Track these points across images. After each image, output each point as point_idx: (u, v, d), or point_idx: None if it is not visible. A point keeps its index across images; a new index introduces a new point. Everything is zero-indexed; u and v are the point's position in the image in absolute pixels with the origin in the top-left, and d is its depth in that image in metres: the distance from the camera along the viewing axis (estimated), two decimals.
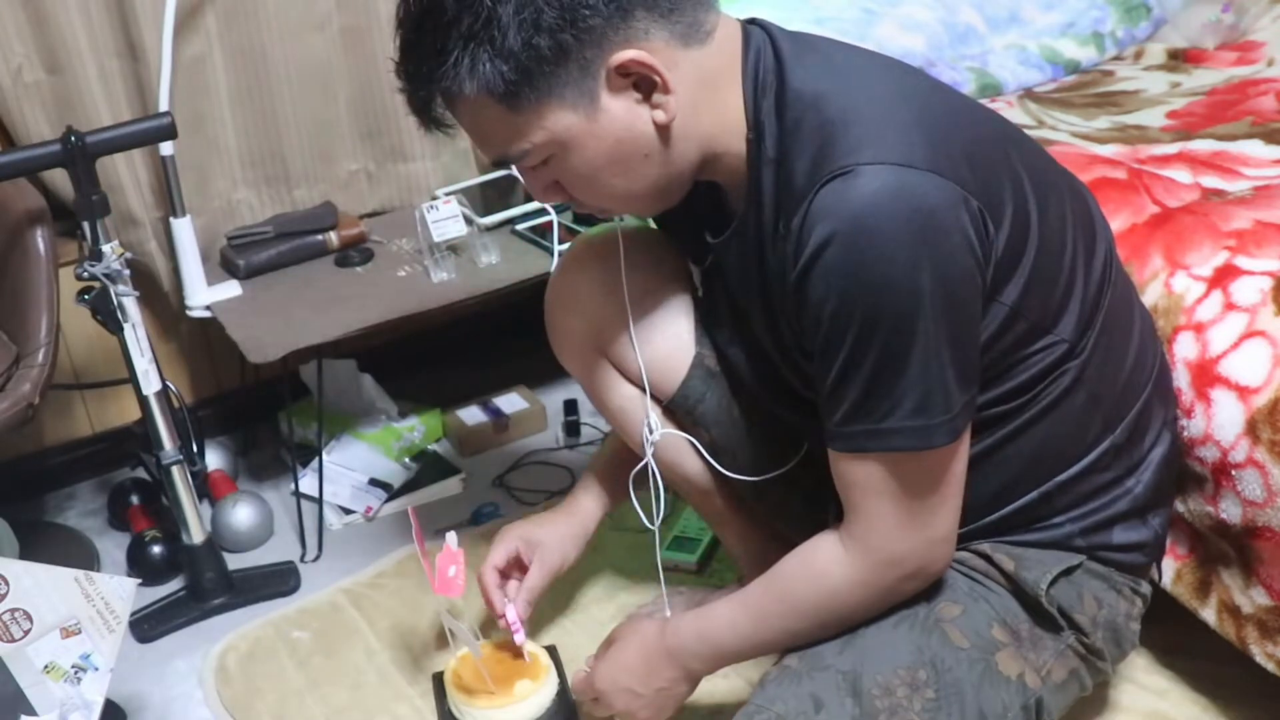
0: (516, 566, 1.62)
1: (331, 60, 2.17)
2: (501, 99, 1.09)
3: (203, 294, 2.02)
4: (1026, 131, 1.86)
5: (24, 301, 1.76)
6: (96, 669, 1.39)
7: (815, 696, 1.21)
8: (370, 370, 2.30)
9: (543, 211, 2.13)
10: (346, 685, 1.70)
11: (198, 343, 2.25)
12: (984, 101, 2.08)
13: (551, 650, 1.64)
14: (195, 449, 1.94)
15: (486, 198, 2.23)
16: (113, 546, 2.08)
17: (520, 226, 2.14)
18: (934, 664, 1.22)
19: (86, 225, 1.65)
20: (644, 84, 1.11)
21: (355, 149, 2.24)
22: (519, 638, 1.57)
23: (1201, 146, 1.76)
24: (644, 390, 1.45)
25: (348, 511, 2.08)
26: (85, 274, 1.66)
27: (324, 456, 2.09)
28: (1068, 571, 1.28)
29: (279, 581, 1.93)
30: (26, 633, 1.37)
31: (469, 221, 2.08)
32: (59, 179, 1.84)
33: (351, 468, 2.12)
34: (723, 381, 1.44)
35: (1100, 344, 1.23)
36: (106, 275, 1.66)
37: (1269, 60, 2.16)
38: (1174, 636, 1.54)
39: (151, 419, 1.78)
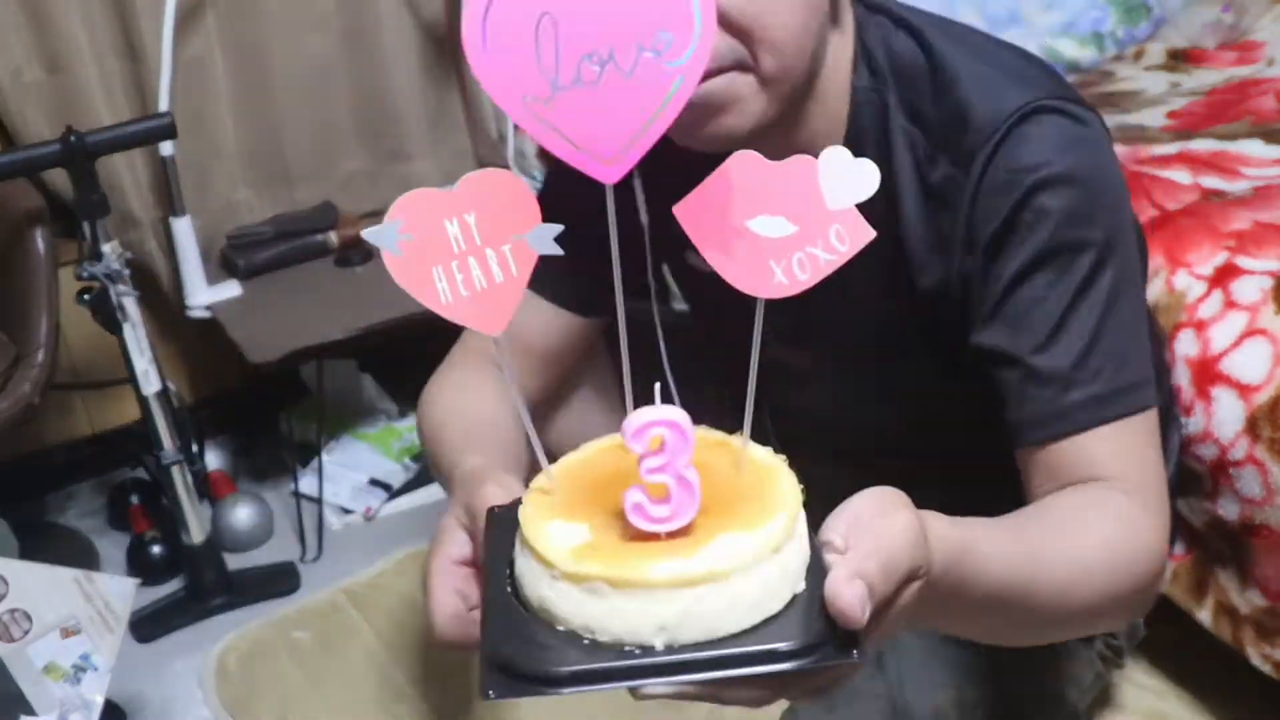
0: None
1: (331, 60, 2.17)
2: None
3: (203, 294, 2.02)
4: None
5: (24, 301, 1.76)
6: (96, 669, 1.39)
7: None
8: (370, 370, 2.30)
9: None
10: (346, 685, 1.70)
11: (198, 343, 2.25)
12: None
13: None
14: (195, 449, 1.94)
15: None
16: (113, 546, 2.08)
17: None
18: (981, 682, 1.16)
19: (86, 225, 1.65)
20: None
21: (355, 149, 2.24)
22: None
23: (1201, 146, 1.76)
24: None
25: (348, 511, 2.08)
26: (85, 274, 1.66)
27: (324, 456, 2.09)
28: None
29: (279, 581, 1.93)
30: (26, 633, 1.37)
31: None
32: (59, 179, 1.84)
33: (351, 468, 2.12)
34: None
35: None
36: (106, 275, 1.66)
37: (1269, 60, 2.16)
38: (1173, 636, 1.54)
39: (151, 419, 1.78)
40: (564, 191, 1.11)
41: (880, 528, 0.64)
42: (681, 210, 0.63)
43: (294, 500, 2.08)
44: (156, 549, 1.97)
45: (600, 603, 0.57)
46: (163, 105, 1.94)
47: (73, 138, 1.62)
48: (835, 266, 0.63)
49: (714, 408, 0.93)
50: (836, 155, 0.64)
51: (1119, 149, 1.77)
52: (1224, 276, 1.40)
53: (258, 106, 2.12)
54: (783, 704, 1.28)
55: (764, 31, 0.96)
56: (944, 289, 1.05)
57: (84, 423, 2.22)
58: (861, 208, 0.71)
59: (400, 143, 2.25)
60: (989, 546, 0.80)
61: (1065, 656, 1.25)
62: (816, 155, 0.92)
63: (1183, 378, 1.37)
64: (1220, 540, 1.37)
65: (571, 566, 0.58)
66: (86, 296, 1.68)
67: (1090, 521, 0.92)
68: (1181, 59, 2.26)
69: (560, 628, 0.59)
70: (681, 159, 0.94)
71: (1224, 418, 1.32)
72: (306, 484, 2.08)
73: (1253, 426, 1.29)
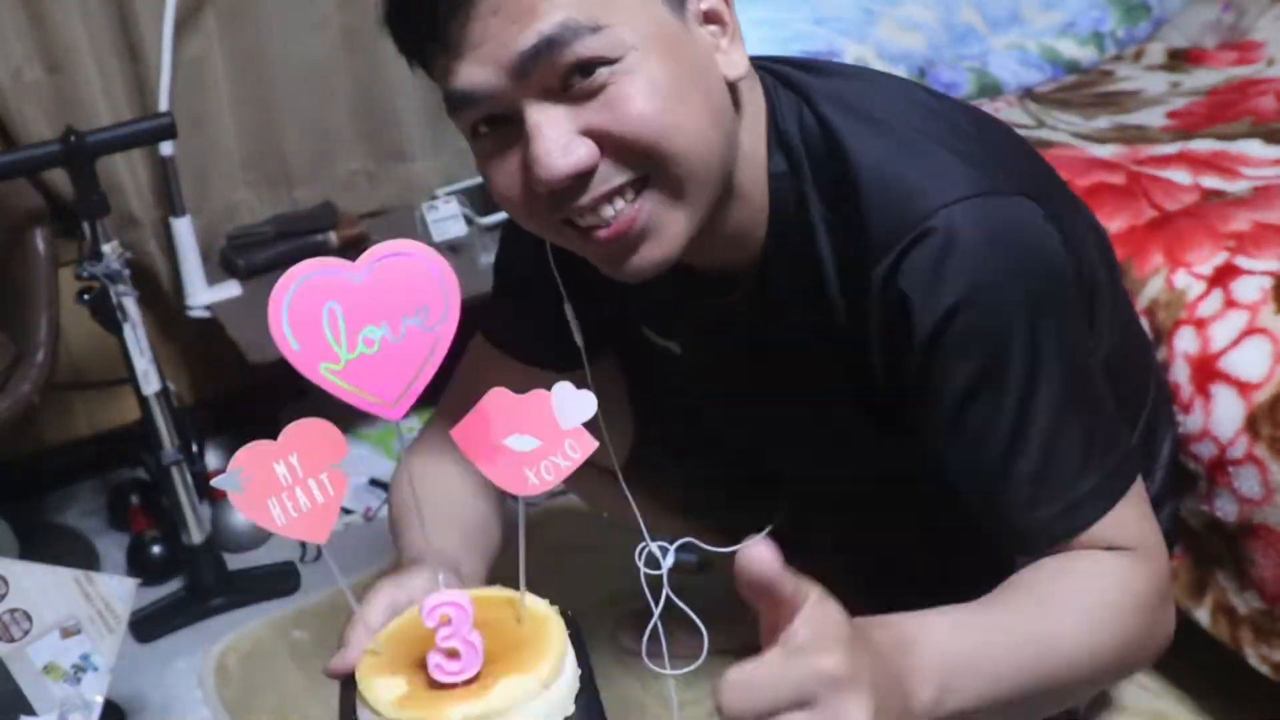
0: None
1: (331, 60, 2.17)
2: None
3: (203, 294, 2.02)
4: (1026, 132, 1.86)
5: (24, 301, 1.76)
6: (96, 669, 1.39)
7: None
8: None
9: None
10: None
11: (198, 343, 2.25)
12: (983, 102, 2.09)
13: (567, 617, 0.90)
14: (195, 449, 1.94)
15: (486, 197, 2.23)
16: (113, 546, 2.08)
17: None
18: None
19: (86, 225, 1.65)
20: (713, 18, 0.95)
21: (355, 149, 2.24)
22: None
23: (1201, 146, 1.76)
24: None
25: (348, 511, 2.08)
26: (85, 274, 1.66)
27: None
28: None
29: (279, 581, 1.93)
30: (26, 633, 1.37)
31: (469, 221, 2.08)
32: (59, 179, 1.84)
33: (351, 468, 2.13)
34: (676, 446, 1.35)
35: (1118, 341, 1.19)
36: (106, 275, 1.66)
37: (1269, 60, 2.16)
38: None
39: (151, 419, 1.78)
40: (513, 256, 1.19)
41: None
42: (457, 433, 0.81)
43: None
44: (156, 549, 1.97)
45: None
46: (163, 105, 1.94)
47: (73, 138, 1.62)
48: (574, 469, 0.80)
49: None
50: (563, 389, 0.81)
51: (1119, 149, 1.77)
52: (1223, 276, 1.40)
53: (258, 106, 2.13)
54: None
55: (668, 145, 0.90)
56: (885, 374, 1.02)
57: (84, 423, 2.22)
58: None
59: (400, 143, 2.25)
60: (986, 650, 0.86)
61: None
62: (744, 249, 1.02)
63: (1182, 375, 1.37)
64: (1218, 540, 1.37)
65: (394, 713, 0.77)
66: (86, 296, 1.68)
67: (1086, 593, 0.94)
68: (1181, 59, 2.26)
69: None
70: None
71: (1223, 416, 1.32)
72: None
73: (1252, 424, 1.29)
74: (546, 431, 0.82)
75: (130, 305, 1.70)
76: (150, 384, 1.75)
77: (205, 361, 2.28)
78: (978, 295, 0.92)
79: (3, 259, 1.79)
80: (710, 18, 0.94)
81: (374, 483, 2.12)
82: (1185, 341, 1.38)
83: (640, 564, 1.20)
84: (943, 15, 2.22)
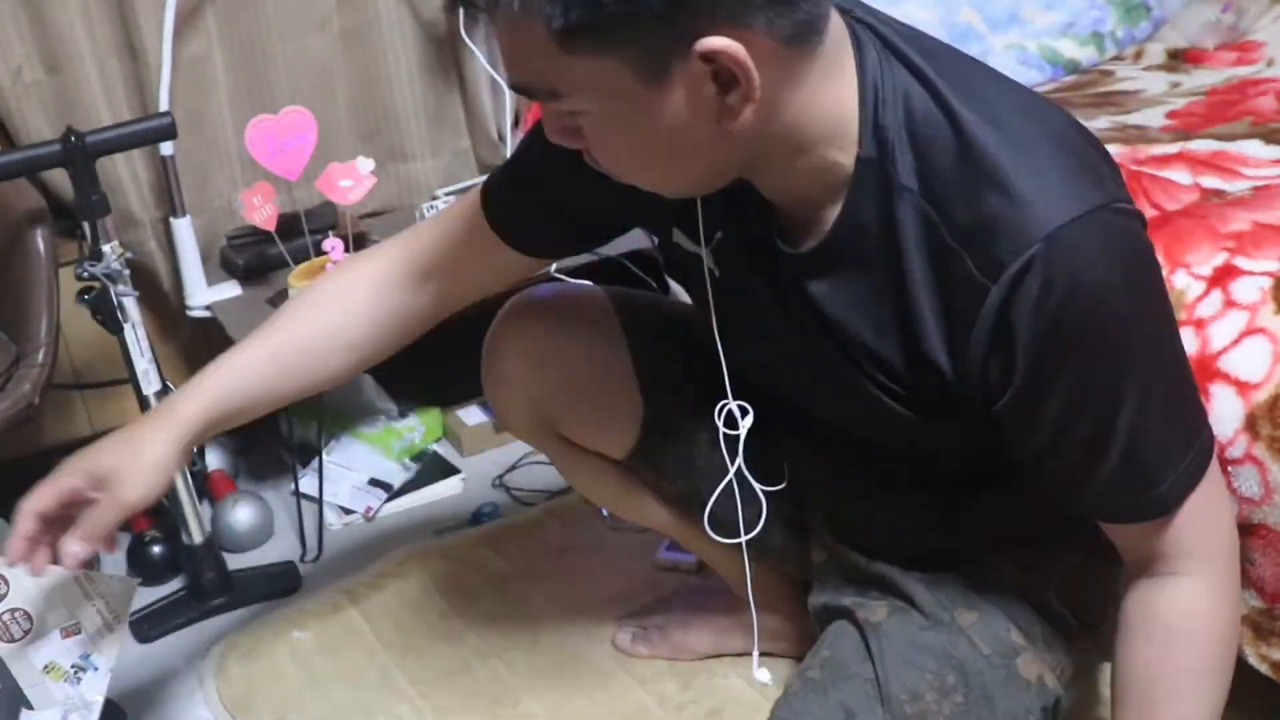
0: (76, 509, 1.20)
1: (331, 60, 2.17)
2: (555, 35, 0.87)
3: (203, 294, 2.02)
4: None
5: (24, 301, 1.76)
6: (96, 669, 1.39)
7: (845, 706, 1.19)
8: (370, 370, 2.30)
9: None
10: (346, 685, 1.70)
11: (198, 343, 2.25)
12: None
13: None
14: (195, 449, 1.94)
15: None
16: None
17: None
18: (961, 668, 1.20)
19: (86, 225, 1.65)
20: (724, 79, 0.91)
21: (355, 149, 2.24)
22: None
23: (1201, 146, 1.76)
24: (601, 455, 1.44)
25: (348, 511, 2.08)
26: (85, 274, 1.66)
27: (324, 456, 2.09)
28: (1073, 569, 1.28)
29: (279, 581, 1.93)
30: (26, 633, 1.37)
31: None
32: (59, 179, 1.84)
33: (351, 468, 2.12)
34: (686, 428, 1.36)
35: None
36: (106, 275, 1.66)
37: (1269, 60, 2.16)
38: None
39: None
40: (538, 150, 1.18)
41: None
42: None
43: (294, 500, 2.08)
44: (156, 549, 1.96)
45: None
46: (163, 105, 1.94)
47: (73, 138, 1.62)
48: None
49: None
50: None
51: (1118, 149, 1.77)
52: (1223, 277, 1.40)
53: (258, 107, 2.12)
54: (753, 680, 1.43)
55: (614, 171, 1.02)
56: (956, 368, 1.03)
57: (84, 423, 2.22)
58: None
59: (400, 143, 2.26)
60: None
61: (1044, 646, 1.26)
62: (812, 219, 1.07)
63: None
64: None
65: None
66: (86, 296, 1.68)
67: (1179, 646, 1.09)
68: (1181, 59, 2.26)
69: None
70: None
71: (1222, 415, 1.31)
72: (306, 484, 2.08)
73: (1252, 424, 1.29)
74: None
75: (130, 305, 1.70)
76: (150, 384, 1.75)
77: (205, 362, 2.26)
78: (1111, 294, 0.96)
79: (3, 259, 1.79)
80: (716, 77, 0.91)
81: (374, 482, 2.12)
82: (1185, 342, 1.37)
83: (720, 423, 1.23)
84: (943, 15, 2.22)
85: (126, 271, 1.68)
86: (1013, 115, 0.99)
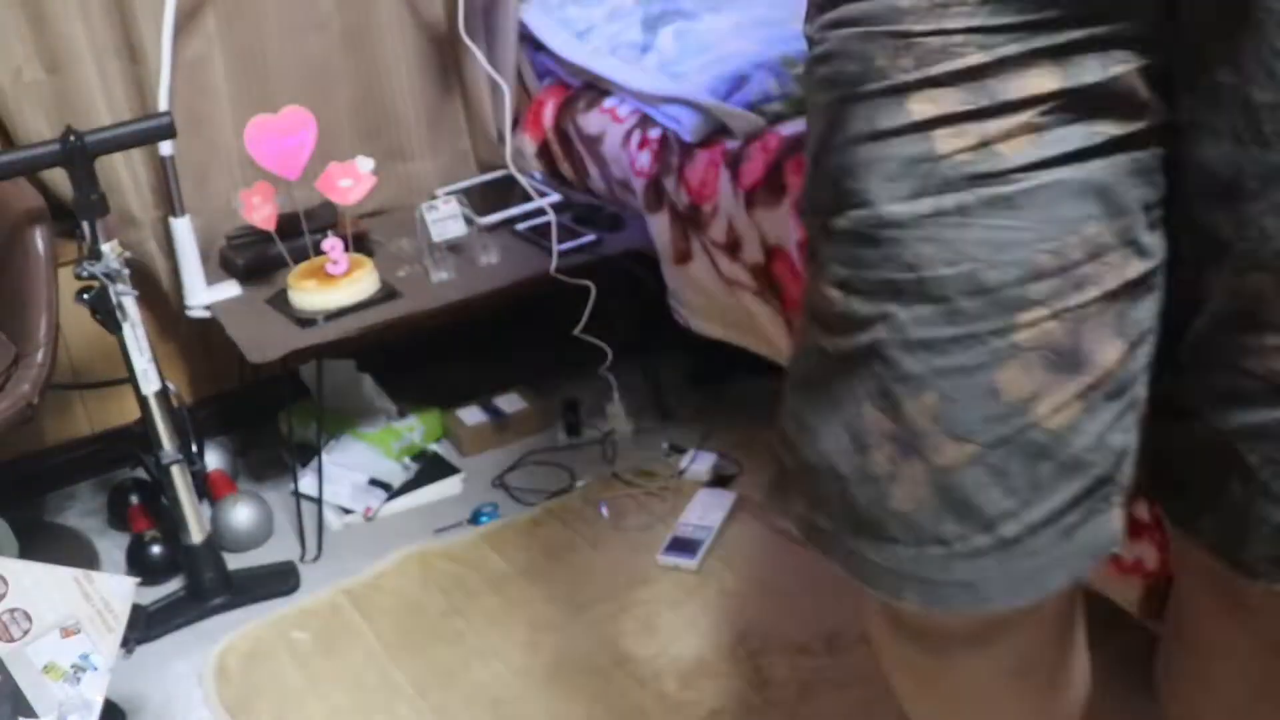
0: None
1: (331, 60, 2.17)
2: None
3: (202, 294, 2.02)
4: None
5: (23, 301, 1.76)
6: (96, 669, 1.39)
7: None
8: (370, 370, 2.30)
9: (542, 211, 2.13)
10: (346, 685, 1.70)
11: (197, 343, 2.25)
12: None
13: None
14: (195, 449, 1.94)
15: (486, 197, 2.23)
16: (113, 546, 2.08)
17: (520, 227, 2.14)
18: None
19: (86, 225, 1.65)
20: None
21: (355, 149, 2.24)
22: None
23: None
24: None
25: (348, 511, 2.08)
26: (85, 273, 1.66)
27: (324, 456, 2.09)
28: None
29: (279, 581, 1.93)
30: (26, 632, 1.37)
31: (469, 221, 2.08)
32: (59, 179, 1.84)
33: (351, 468, 2.12)
34: None
35: None
36: (106, 275, 1.66)
37: None
38: None
39: (151, 419, 1.78)
40: None
41: None
42: None
43: (294, 500, 2.08)
44: (156, 549, 1.97)
45: None
46: (163, 105, 1.94)
47: (73, 138, 1.62)
48: None
49: None
50: None
51: None
52: None
53: (257, 106, 2.12)
54: (754, 680, 1.35)
55: None
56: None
57: (84, 423, 2.22)
58: None
59: (400, 143, 2.26)
60: None
61: None
62: None
63: None
64: None
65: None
66: (86, 296, 1.68)
67: None
68: None
69: None
70: None
71: None
72: (306, 484, 2.08)
73: None
74: None
75: (130, 305, 1.70)
76: (150, 384, 1.75)
77: (205, 361, 2.29)
78: None
79: (3, 259, 1.79)
80: None
81: (374, 482, 2.12)
82: None
83: None
84: None
85: (126, 271, 1.69)
86: None
